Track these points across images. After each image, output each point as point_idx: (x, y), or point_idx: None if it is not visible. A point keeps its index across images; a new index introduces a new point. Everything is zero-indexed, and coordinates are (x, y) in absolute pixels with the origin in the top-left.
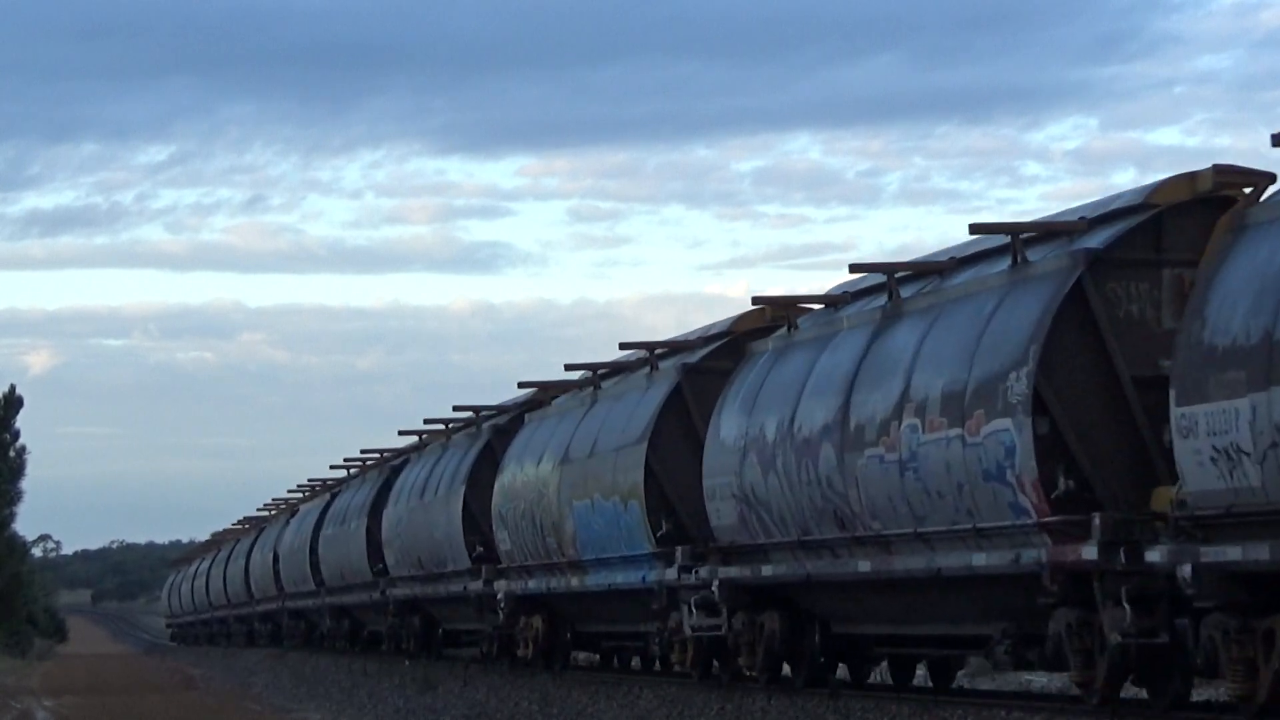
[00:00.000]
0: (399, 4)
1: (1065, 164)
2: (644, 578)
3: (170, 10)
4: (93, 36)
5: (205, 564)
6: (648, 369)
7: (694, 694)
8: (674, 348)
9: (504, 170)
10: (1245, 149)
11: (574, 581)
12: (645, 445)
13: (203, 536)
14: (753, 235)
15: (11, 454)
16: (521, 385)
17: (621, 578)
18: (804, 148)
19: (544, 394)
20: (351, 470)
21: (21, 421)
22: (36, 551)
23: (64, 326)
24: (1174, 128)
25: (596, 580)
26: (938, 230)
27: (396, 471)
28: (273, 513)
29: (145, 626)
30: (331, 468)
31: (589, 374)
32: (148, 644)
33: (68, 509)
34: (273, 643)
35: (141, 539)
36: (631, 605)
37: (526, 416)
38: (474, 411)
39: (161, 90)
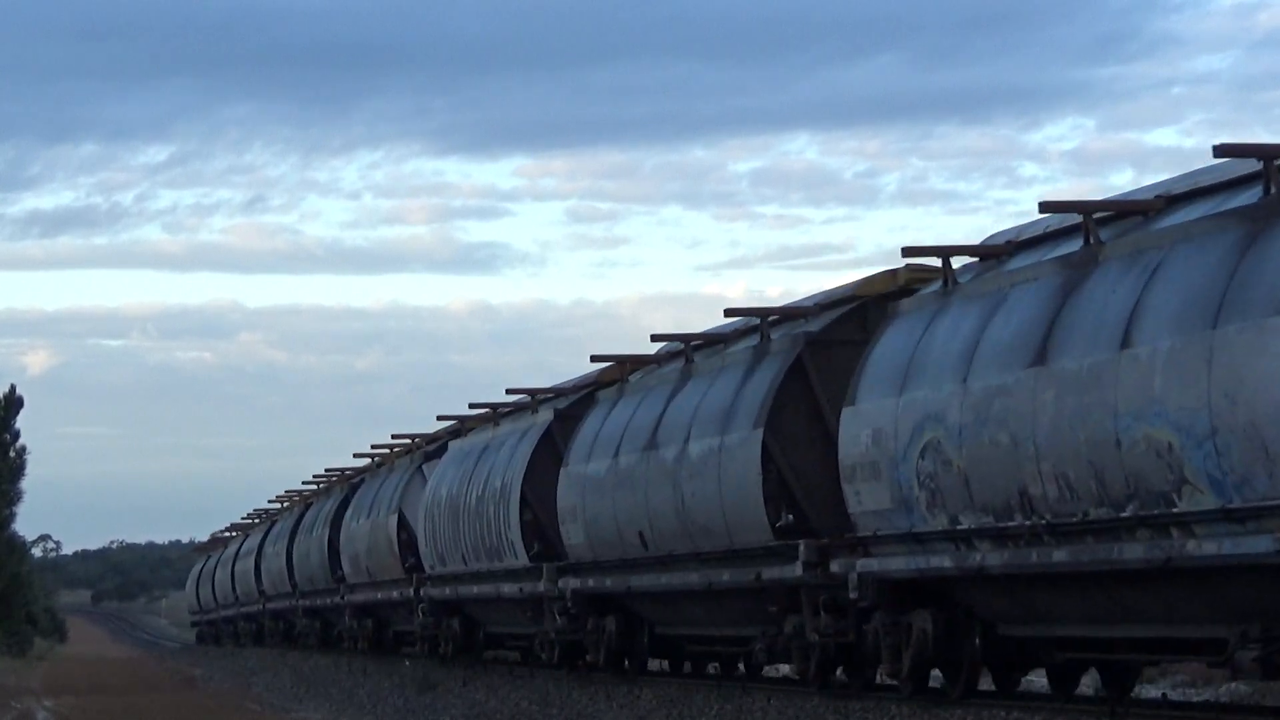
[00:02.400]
0: (399, 4)
1: (1062, 164)
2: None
3: (170, 10)
4: (93, 36)
5: (256, 540)
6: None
7: (693, 694)
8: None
9: (502, 171)
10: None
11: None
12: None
13: (202, 536)
14: (751, 235)
15: (11, 454)
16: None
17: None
18: (802, 148)
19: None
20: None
21: (21, 421)
22: (36, 551)
23: (63, 327)
24: (1171, 128)
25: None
26: (936, 231)
27: (354, 489)
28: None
29: (145, 626)
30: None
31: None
32: (148, 644)
33: (68, 509)
34: (387, 647)
35: (141, 539)
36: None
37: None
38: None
39: (161, 90)
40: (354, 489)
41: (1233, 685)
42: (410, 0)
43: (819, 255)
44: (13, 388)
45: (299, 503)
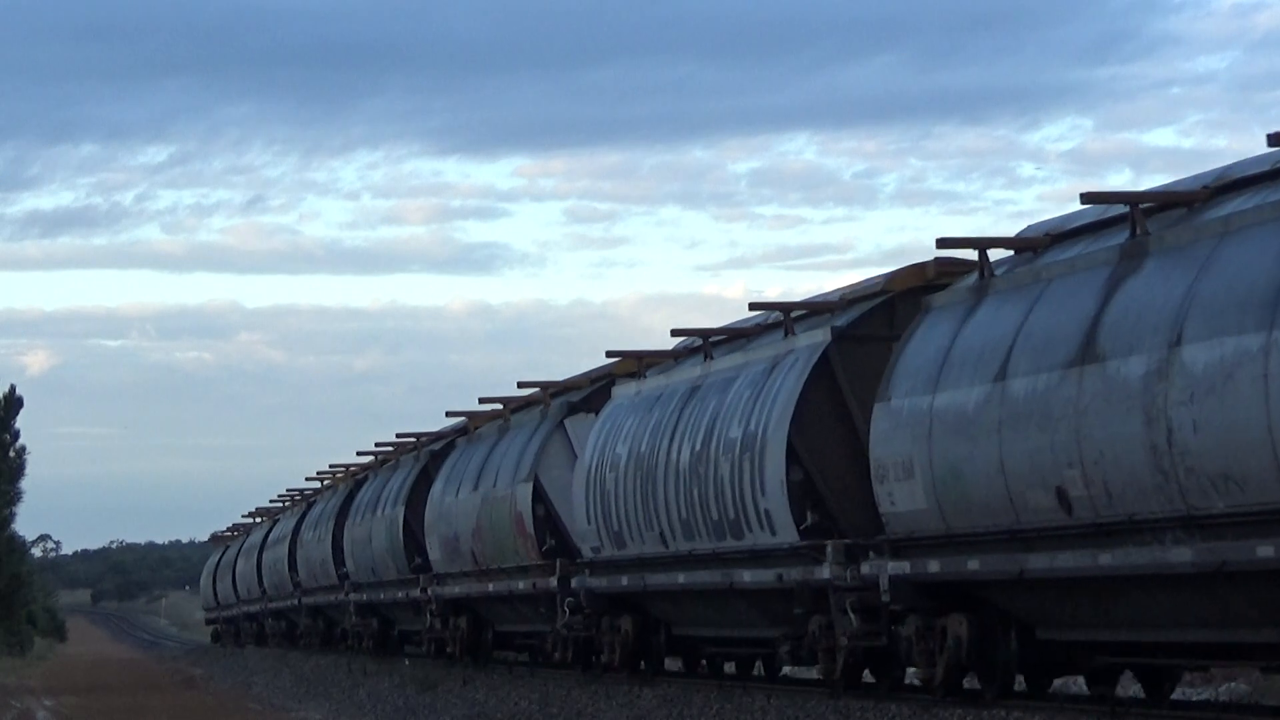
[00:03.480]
0: (398, 4)
1: (1060, 165)
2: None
3: (170, 10)
4: (93, 37)
5: (289, 525)
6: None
7: (693, 694)
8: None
9: (500, 171)
10: (1241, 150)
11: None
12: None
13: (202, 537)
14: (750, 236)
15: (11, 454)
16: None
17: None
18: (800, 148)
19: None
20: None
21: (21, 421)
22: (36, 551)
23: (62, 327)
24: (1169, 128)
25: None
26: (934, 231)
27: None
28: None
29: (145, 627)
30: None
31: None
32: (148, 644)
33: (68, 509)
34: (484, 652)
35: (141, 539)
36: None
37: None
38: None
39: (160, 91)
40: (437, 457)
41: (1233, 684)
42: (410, 0)
43: (818, 255)
44: (12, 388)
45: (345, 479)
